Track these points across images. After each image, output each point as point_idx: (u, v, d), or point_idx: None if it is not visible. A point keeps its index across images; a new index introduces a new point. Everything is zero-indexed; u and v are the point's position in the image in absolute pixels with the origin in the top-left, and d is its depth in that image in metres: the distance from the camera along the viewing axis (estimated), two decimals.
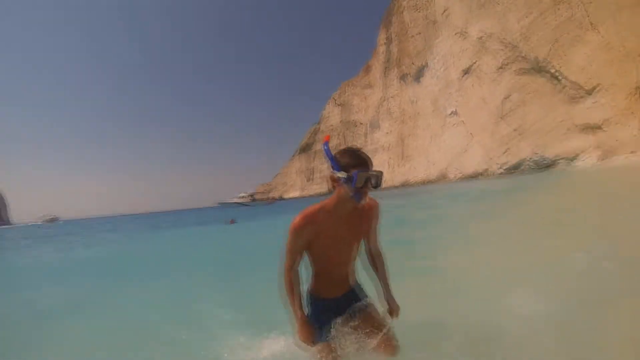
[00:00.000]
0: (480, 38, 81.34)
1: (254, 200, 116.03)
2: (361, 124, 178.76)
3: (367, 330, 2.63)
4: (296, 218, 2.45)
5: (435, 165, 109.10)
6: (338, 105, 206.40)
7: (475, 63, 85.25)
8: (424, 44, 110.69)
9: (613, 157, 52.37)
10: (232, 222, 23.82)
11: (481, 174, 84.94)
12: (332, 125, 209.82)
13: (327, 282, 2.76)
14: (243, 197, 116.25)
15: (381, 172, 2.49)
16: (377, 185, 2.41)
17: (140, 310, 5.71)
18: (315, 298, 2.79)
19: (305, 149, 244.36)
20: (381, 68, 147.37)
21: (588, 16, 57.92)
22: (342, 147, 2.51)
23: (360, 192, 2.35)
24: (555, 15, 62.94)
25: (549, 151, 66.34)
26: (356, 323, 2.67)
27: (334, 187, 2.45)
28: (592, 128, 58.67)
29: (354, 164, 2.34)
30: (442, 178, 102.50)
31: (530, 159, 71.33)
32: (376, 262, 2.96)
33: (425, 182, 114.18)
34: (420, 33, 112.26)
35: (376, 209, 2.78)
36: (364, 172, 2.32)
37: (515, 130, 74.50)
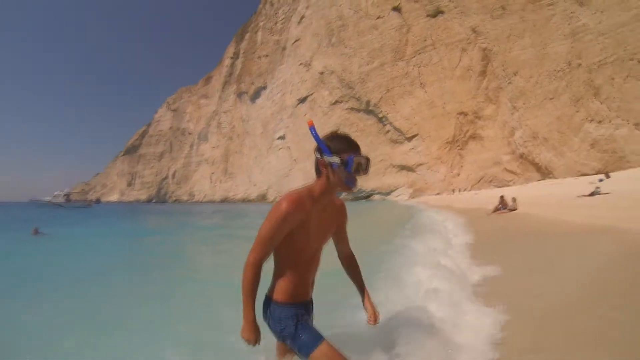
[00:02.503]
0: (322, 73, 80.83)
1: (69, 200, 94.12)
2: (190, 133, 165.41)
3: None
4: (283, 202, 1.98)
5: (256, 186, 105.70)
6: (171, 110, 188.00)
7: (312, 94, 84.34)
8: (268, 66, 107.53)
9: (422, 195, 55.76)
10: (37, 232, 14.36)
11: None
12: (161, 131, 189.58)
13: (302, 282, 2.22)
14: (57, 196, 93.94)
15: (369, 159, 2.13)
16: (366, 171, 2.08)
17: None
18: (286, 305, 2.14)
19: (131, 150, 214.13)
20: (222, 81, 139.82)
21: (420, 76, 61.64)
22: (328, 133, 2.13)
23: (353, 178, 2.06)
24: (393, 69, 65.48)
25: (367, 184, 68.38)
26: None
27: (321, 173, 2.09)
28: (407, 169, 62.71)
29: (346, 149, 2.03)
30: (262, 199, 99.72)
31: None
32: (352, 265, 2.52)
33: (245, 201, 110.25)
34: (267, 55, 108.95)
35: (344, 207, 2.44)
36: (357, 157, 2.02)
37: None
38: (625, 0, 38.98)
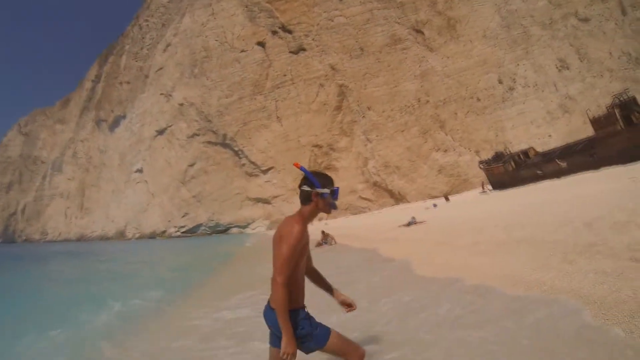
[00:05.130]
0: (182, 105, 72.05)
1: None
2: (43, 162, 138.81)
3: None
4: (295, 226, 2.36)
5: (114, 222, 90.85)
6: (23, 134, 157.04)
7: (170, 127, 74.58)
8: (129, 94, 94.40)
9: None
10: None
11: (159, 235, 74.51)
12: (10, 157, 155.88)
13: (301, 290, 2.54)
14: None
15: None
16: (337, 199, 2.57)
17: None
18: (298, 310, 2.48)
19: None
20: (80, 106, 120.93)
21: (277, 110, 57.73)
22: (312, 170, 2.55)
23: (335, 203, 2.54)
24: (251, 103, 60.39)
25: (224, 218, 63.93)
26: None
27: (310, 201, 2.49)
28: (263, 202, 59.59)
29: (329, 182, 2.52)
30: (120, 236, 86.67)
31: (207, 224, 67.38)
32: (317, 274, 2.89)
33: (103, 239, 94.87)
34: (129, 82, 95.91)
35: None
36: (338, 188, 2.54)
37: (194, 196, 67.78)
38: (468, 50, 44.75)
